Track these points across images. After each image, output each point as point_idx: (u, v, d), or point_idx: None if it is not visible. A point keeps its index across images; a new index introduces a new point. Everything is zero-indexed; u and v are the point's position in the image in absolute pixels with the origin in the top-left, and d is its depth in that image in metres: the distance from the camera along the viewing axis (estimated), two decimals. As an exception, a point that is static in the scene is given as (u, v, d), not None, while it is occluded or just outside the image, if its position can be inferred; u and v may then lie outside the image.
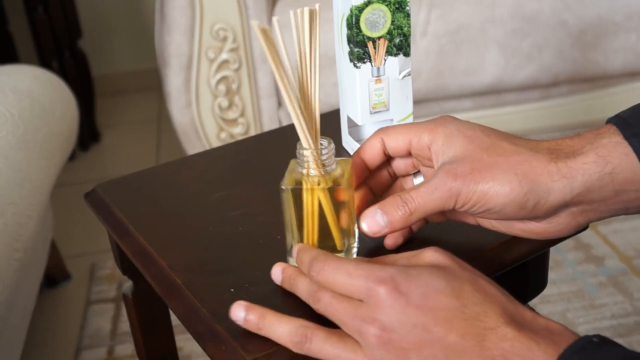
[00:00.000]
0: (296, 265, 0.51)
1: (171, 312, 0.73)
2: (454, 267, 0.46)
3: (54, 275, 1.47)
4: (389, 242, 0.55)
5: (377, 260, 0.50)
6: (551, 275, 1.37)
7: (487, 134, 0.49)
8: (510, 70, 1.54)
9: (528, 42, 1.51)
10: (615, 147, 0.45)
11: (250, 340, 0.48)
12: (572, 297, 1.31)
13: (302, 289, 0.49)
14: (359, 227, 0.52)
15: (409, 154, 0.54)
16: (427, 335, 0.42)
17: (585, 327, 1.22)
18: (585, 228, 0.51)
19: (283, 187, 0.52)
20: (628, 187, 0.46)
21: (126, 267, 0.73)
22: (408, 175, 0.57)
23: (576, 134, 0.48)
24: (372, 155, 0.55)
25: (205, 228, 0.63)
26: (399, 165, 0.56)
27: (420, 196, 0.48)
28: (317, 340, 0.46)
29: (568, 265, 1.40)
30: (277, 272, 0.52)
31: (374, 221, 0.49)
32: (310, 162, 0.52)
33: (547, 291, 1.32)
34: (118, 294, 1.42)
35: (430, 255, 0.47)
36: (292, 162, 0.54)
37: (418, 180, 0.56)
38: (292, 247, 0.53)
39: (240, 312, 0.49)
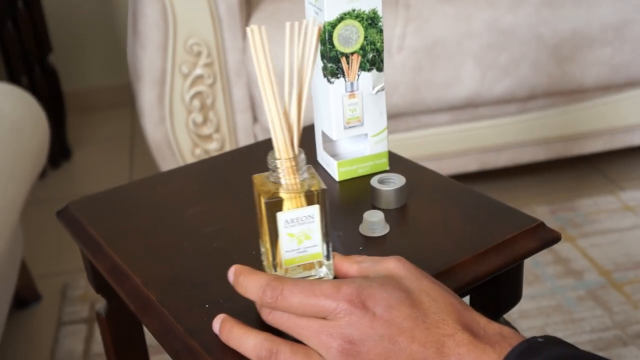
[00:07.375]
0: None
1: (146, 332, 0.73)
2: (414, 276, 0.49)
3: (24, 296, 1.46)
4: None
5: (340, 260, 0.53)
6: (530, 289, 1.39)
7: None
8: (486, 84, 1.57)
9: (504, 56, 1.55)
10: None
11: (225, 357, 0.49)
12: (551, 311, 1.33)
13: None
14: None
15: None
16: (393, 346, 0.46)
17: (564, 342, 1.24)
18: None
19: (265, 201, 0.52)
20: None
21: (100, 285, 0.74)
22: None
23: None
24: None
25: (179, 244, 0.64)
26: None
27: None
28: (282, 356, 0.47)
29: (547, 279, 1.42)
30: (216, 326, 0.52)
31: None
32: (286, 171, 0.52)
33: (526, 305, 1.34)
34: (90, 315, 1.42)
35: (394, 265, 0.50)
36: (257, 177, 0.55)
37: None
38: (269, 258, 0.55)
39: (216, 324, 0.52)
